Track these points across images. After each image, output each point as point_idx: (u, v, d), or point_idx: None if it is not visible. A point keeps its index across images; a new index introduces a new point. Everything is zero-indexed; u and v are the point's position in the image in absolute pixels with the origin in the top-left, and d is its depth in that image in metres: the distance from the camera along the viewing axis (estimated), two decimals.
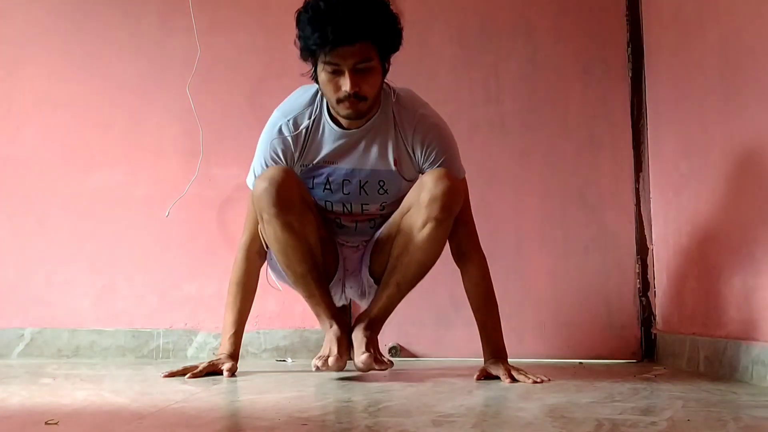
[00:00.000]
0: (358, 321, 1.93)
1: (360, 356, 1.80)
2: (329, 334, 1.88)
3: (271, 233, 1.79)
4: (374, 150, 1.87)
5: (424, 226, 1.78)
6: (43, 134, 2.69)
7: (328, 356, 1.81)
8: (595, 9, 2.69)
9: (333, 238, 1.97)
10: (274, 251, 1.85)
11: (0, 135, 2.69)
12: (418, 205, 1.78)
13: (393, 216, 1.91)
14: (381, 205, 1.92)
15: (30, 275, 2.62)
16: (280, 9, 2.71)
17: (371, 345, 1.86)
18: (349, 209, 1.92)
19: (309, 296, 1.91)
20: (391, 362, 1.84)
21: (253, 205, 1.82)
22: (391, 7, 1.81)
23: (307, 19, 1.71)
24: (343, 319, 1.95)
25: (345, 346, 1.86)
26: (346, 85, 1.72)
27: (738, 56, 1.88)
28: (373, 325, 1.90)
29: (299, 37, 1.76)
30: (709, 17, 2.05)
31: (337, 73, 1.73)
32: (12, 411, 1.31)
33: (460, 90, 2.68)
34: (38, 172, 2.67)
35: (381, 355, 1.88)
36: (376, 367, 1.80)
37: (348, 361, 1.89)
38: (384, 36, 1.76)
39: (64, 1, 2.74)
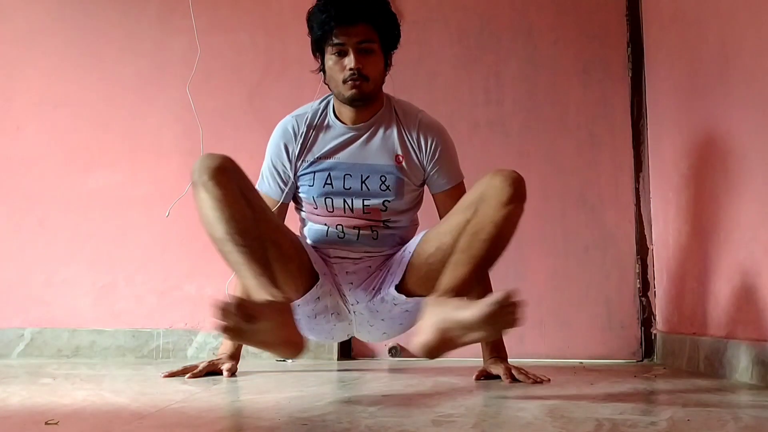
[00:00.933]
0: (429, 300, 1.58)
1: (492, 297, 1.38)
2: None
3: (199, 196, 1.65)
4: (377, 144, 1.92)
5: (506, 205, 1.64)
6: (43, 134, 2.69)
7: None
8: (595, 9, 2.69)
9: (298, 240, 1.86)
10: (201, 219, 1.67)
11: (0, 135, 2.69)
12: (495, 189, 1.66)
13: (445, 224, 1.79)
14: (383, 203, 1.91)
15: (30, 275, 2.62)
16: (280, 9, 2.72)
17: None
18: (351, 206, 1.90)
19: (244, 274, 1.62)
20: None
21: (192, 183, 1.67)
22: (391, 8, 1.91)
23: (316, 9, 1.85)
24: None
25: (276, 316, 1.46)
26: (350, 62, 1.82)
27: (738, 56, 1.88)
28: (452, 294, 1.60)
29: (310, 29, 1.88)
30: (709, 17, 2.05)
31: (342, 54, 1.83)
32: (12, 411, 1.31)
33: (460, 90, 2.68)
34: (38, 172, 2.67)
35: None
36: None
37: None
38: (384, 23, 1.86)
39: (64, 1, 2.75)
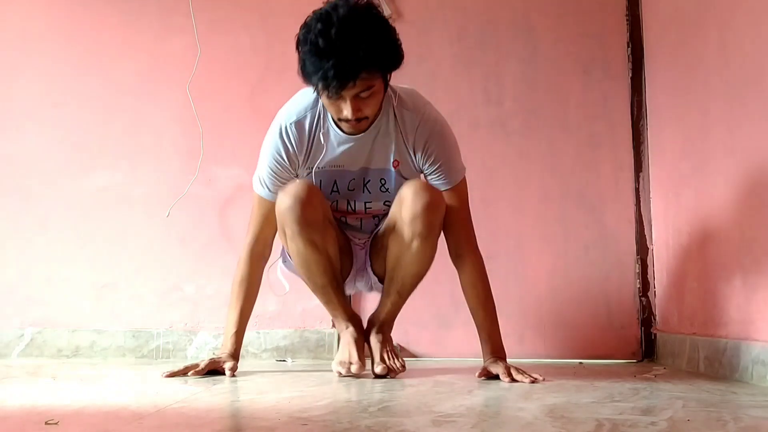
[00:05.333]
0: (371, 325, 2.04)
1: (376, 368, 1.92)
2: (346, 335, 2.00)
3: (293, 248, 1.86)
4: (377, 151, 1.89)
5: (411, 242, 1.83)
6: (43, 134, 2.69)
7: (350, 363, 1.92)
8: (595, 9, 2.69)
9: (349, 242, 2.02)
10: (295, 264, 1.92)
11: (0, 135, 2.69)
12: (402, 222, 1.83)
13: (384, 223, 1.94)
14: (384, 203, 1.95)
15: (30, 275, 2.62)
16: (280, 9, 2.72)
17: (385, 348, 1.99)
18: (353, 208, 1.95)
19: (327, 303, 2.00)
20: (404, 367, 1.97)
21: (277, 219, 1.86)
22: (392, 34, 1.73)
23: (308, 55, 1.66)
24: (358, 320, 2.04)
25: (362, 349, 1.98)
26: (348, 111, 1.71)
27: (738, 56, 1.88)
28: (384, 328, 2.04)
29: (300, 66, 1.72)
30: (709, 17, 2.05)
31: (339, 99, 1.71)
32: (12, 411, 1.32)
33: (460, 90, 2.68)
34: (38, 172, 2.67)
35: (394, 356, 1.99)
36: (390, 375, 1.91)
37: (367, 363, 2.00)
38: (386, 61, 1.72)
39: (64, 1, 2.75)
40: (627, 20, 2.68)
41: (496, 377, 1.82)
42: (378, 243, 1.98)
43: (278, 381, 1.85)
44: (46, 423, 1.15)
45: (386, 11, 2.69)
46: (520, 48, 2.69)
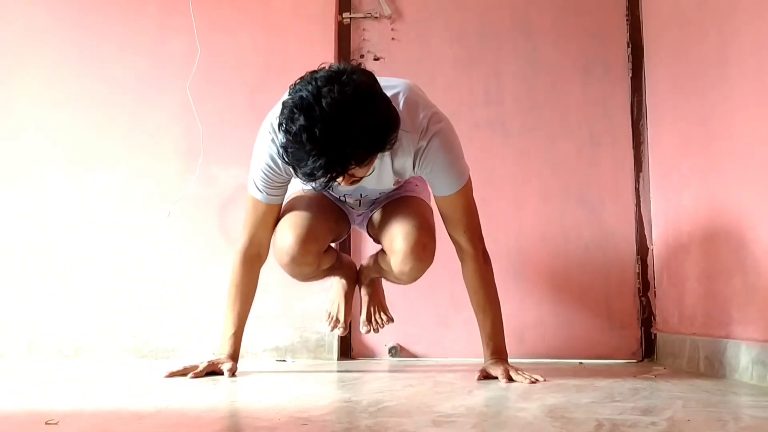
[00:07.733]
0: (362, 276, 2.24)
1: (362, 328, 2.24)
2: (337, 286, 2.22)
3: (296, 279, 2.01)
4: (373, 178, 1.81)
5: (399, 279, 1.96)
6: (43, 134, 2.69)
7: (336, 321, 2.18)
8: (595, 9, 2.69)
9: (346, 215, 2.08)
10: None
11: (0, 136, 2.69)
12: (392, 264, 1.89)
13: (381, 239, 1.98)
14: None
15: (30, 276, 2.62)
16: (280, 9, 2.72)
17: (372, 302, 2.24)
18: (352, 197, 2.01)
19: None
20: (390, 319, 2.24)
21: (274, 255, 1.91)
22: (380, 100, 1.54)
23: (290, 144, 1.50)
24: (351, 271, 2.23)
25: (350, 303, 2.20)
26: (341, 181, 1.59)
27: (738, 56, 1.88)
28: (374, 281, 2.25)
29: (283, 150, 1.55)
30: (709, 17, 2.05)
31: None
32: (12, 411, 1.32)
33: (460, 90, 2.68)
34: (38, 172, 2.67)
35: (381, 310, 2.24)
36: (374, 332, 2.25)
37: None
38: (378, 147, 1.55)
39: (64, 1, 2.75)
40: (627, 20, 2.68)
41: (496, 378, 1.82)
42: (375, 228, 2.05)
43: (278, 381, 1.85)
44: (46, 423, 1.15)
45: (386, 11, 2.69)
46: (520, 48, 2.69)
